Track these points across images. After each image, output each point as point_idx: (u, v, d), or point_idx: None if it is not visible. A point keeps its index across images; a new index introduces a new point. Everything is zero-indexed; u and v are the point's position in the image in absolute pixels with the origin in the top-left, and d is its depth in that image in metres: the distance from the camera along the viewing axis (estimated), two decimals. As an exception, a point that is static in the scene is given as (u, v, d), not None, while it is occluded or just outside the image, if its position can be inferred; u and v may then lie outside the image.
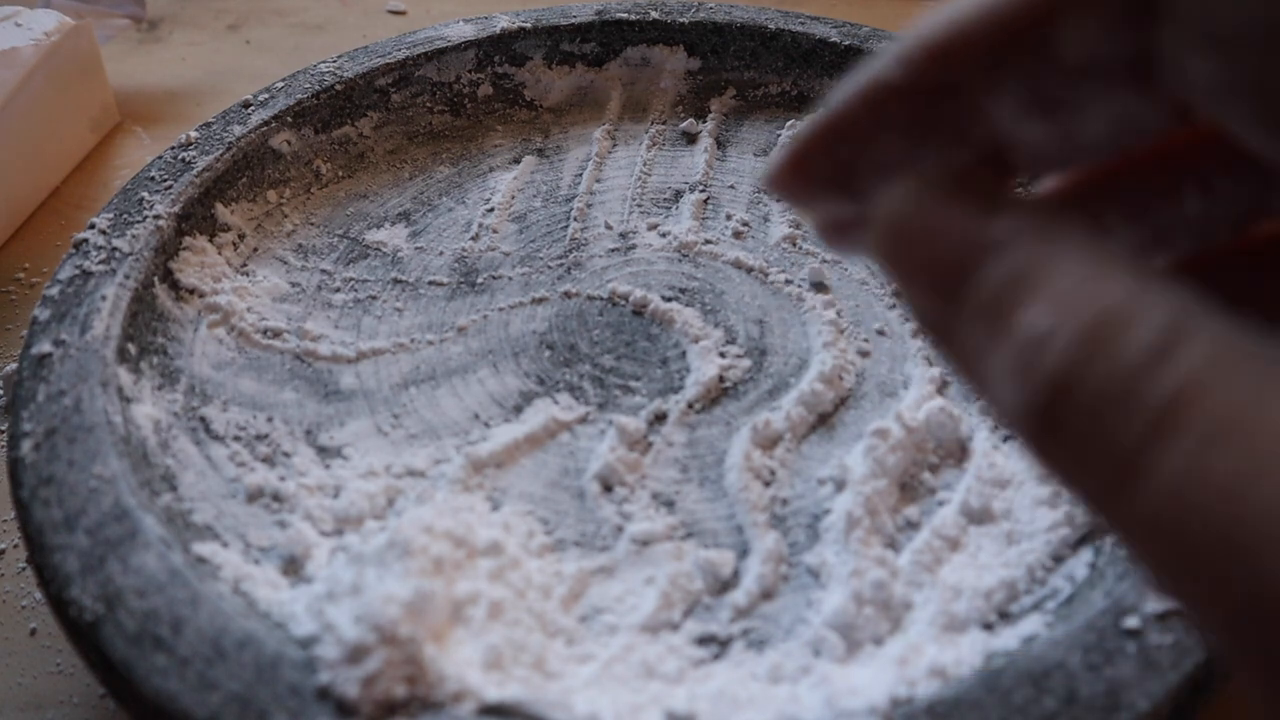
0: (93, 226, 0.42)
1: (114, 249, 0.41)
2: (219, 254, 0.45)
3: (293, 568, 0.35)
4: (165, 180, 0.44)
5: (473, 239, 0.48)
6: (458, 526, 0.33)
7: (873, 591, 0.33)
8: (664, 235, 0.48)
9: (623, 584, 0.35)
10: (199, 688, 0.28)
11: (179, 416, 0.39)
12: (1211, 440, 0.14)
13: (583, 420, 0.40)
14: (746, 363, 0.42)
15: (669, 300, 0.45)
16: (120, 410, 0.36)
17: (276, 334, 0.43)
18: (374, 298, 0.45)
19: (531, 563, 0.34)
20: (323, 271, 0.46)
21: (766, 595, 0.34)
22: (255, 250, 0.46)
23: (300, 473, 0.38)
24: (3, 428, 0.43)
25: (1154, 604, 0.30)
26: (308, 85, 0.50)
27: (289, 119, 0.49)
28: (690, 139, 0.53)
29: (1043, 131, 0.18)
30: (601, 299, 0.45)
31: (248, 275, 0.45)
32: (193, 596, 0.30)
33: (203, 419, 0.39)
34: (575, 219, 0.49)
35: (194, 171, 0.45)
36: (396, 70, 0.52)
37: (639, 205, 0.50)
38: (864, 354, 0.43)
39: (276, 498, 0.37)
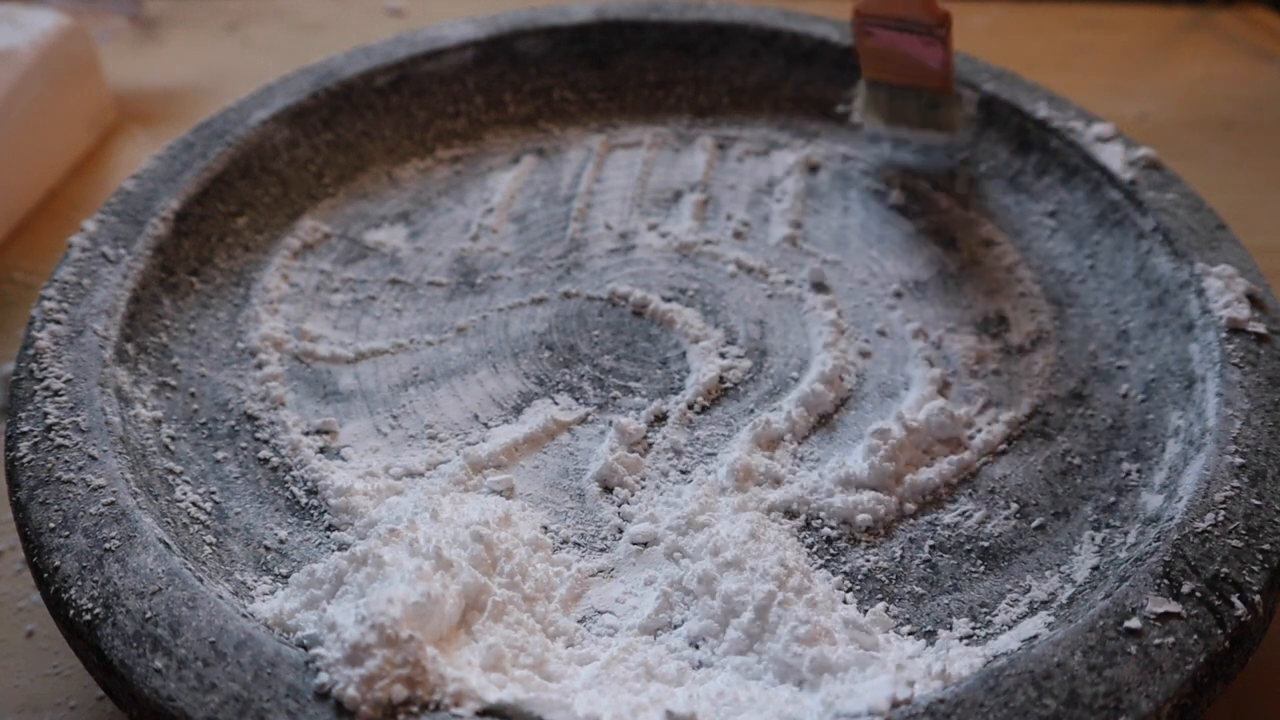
0: (90, 227, 0.42)
1: (112, 249, 0.41)
2: (217, 254, 0.45)
3: (294, 568, 0.34)
4: (163, 180, 0.44)
5: (472, 239, 0.48)
6: (462, 531, 0.33)
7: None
8: (664, 235, 0.48)
9: (623, 585, 0.35)
10: (198, 689, 0.28)
11: (178, 417, 0.39)
12: None
13: (582, 421, 0.40)
14: (747, 363, 0.42)
15: (669, 301, 0.45)
16: (119, 410, 0.36)
17: (275, 334, 0.43)
18: (373, 298, 0.45)
19: (533, 564, 0.34)
20: (321, 272, 0.46)
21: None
22: (253, 250, 0.46)
23: (299, 473, 0.38)
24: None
25: (1155, 605, 0.30)
26: (306, 85, 0.50)
27: (287, 118, 0.48)
28: (690, 139, 0.53)
29: None
30: (601, 299, 0.45)
31: (246, 276, 0.45)
32: (191, 597, 0.30)
33: (202, 419, 0.39)
34: (575, 219, 0.49)
35: (192, 171, 0.45)
36: (396, 70, 0.52)
37: (639, 205, 0.50)
38: (865, 354, 0.43)
39: (276, 498, 0.37)
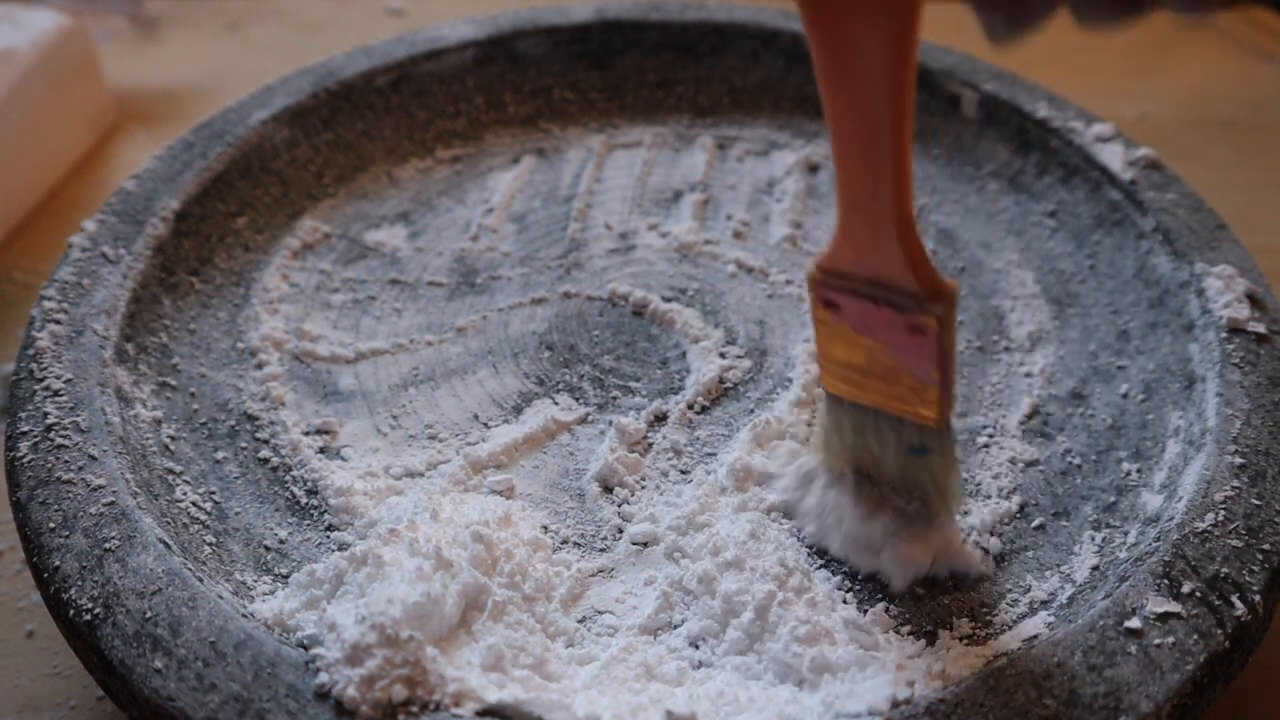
0: (90, 227, 0.42)
1: (112, 249, 0.41)
2: (217, 254, 0.45)
3: (294, 568, 0.34)
4: (163, 180, 0.44)
5: (472, 239, 0.48)
6: (462, 531, 0.33)
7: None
8: (664, 235, 0.48)
9: (623, 585, 0.35)
10: (198, 689, 0.28)
11: (178, 417, 0.39)
12: None
13: (582, 421, 0.40)
14: (747, 363, 0.42)
15: (669, 301, 0.45)
16: (119, 410, 0.36)
17: (275, 334, 0.43)
18: (373, 298, 0.45)
19: (533, 564, 0.34)
20: (321, 271, 0.46)
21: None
22: (253, 250, 0.46)
23: (299, 473, 0.38)
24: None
25: (1155, 605, 0.30)
26: (306, 85, 0.50)
27: (287, 118, 0.48)
28: (690, 139, 0.53)
29: None
30: (601, 299, 0.45)
31: (246, 276, 0.45)
32: (191, 597, 0.30)
33: (202, 419, 0.39)
34: (575, 219, 0.49)
35: (192, 171, 0.45)
36: (396, 70, 0.52)
37: (639, 205, 0.50)
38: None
39: (276, 498, 0.37)
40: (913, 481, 0.33)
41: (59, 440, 0.34)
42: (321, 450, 0.39)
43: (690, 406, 0.40)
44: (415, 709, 0.28)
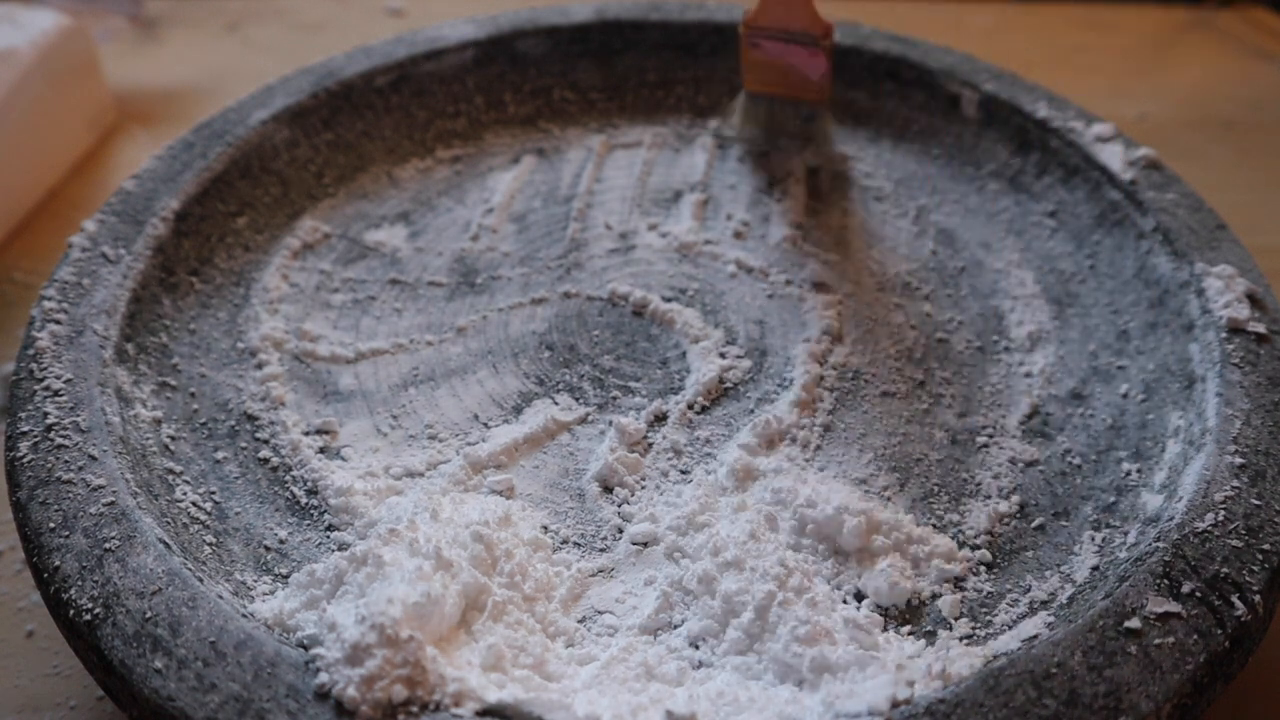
0: (90, 227, 0.42)
1: (112, 249, 0.41)
2: (217, 254, 0.45)
3: (294, 568, 0.34)
4: (163, 180, 0.44)
5: (472, 239, 0.48)
6: (462, 531, 0.33)
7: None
8: (664, 235, 0.48)
9: (623, 585, 0.35)
10: (198, 689, 0.28)
11: (178, 417, 0.39)
12: None
13: (582, 421, 0.40)
14: (747, 363, 0.42)
15: (669, 301, 0.45)
16: (119, 410, 0.36)
17: (275, 334, 0.43)
18: (373, 298, 0.45)
19: (533, 564, 0.34)
20: (321, 272, 0.46)
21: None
22: (253, 250, 0.46)
23: (299, 473, 0.38)
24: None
25: (1155, 605, 0.30)
26: (306, 85, 0.50)
27: (287, 118, 0.48)
28: (690, 139, 0.53)
29: None
30: (601, 299, 0.45)
31: (246, 276, 0.45)
32: (191, 597, 0.30)
33: (202, 419, 0.39)
34: (575, 219, 0.49)
35: (192, 171, 0.45)
36: (396, 70, 0.52)
37: (639, 205, 0.50)
38: (864, 354, 0.42)
39: (276, 498, 0.37)
40: (806, 134, 0.51)
41: (59, 440, 0.34)
42: (321, 450, 0.39)
43: (690, 406, 0.40)
44: (415, 709, 0.28)
